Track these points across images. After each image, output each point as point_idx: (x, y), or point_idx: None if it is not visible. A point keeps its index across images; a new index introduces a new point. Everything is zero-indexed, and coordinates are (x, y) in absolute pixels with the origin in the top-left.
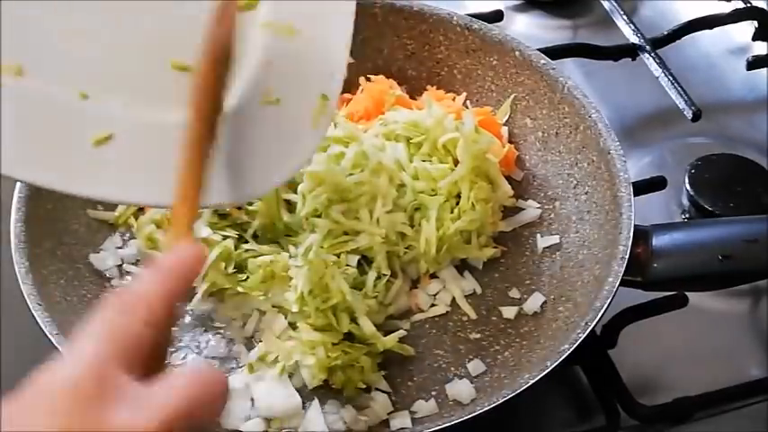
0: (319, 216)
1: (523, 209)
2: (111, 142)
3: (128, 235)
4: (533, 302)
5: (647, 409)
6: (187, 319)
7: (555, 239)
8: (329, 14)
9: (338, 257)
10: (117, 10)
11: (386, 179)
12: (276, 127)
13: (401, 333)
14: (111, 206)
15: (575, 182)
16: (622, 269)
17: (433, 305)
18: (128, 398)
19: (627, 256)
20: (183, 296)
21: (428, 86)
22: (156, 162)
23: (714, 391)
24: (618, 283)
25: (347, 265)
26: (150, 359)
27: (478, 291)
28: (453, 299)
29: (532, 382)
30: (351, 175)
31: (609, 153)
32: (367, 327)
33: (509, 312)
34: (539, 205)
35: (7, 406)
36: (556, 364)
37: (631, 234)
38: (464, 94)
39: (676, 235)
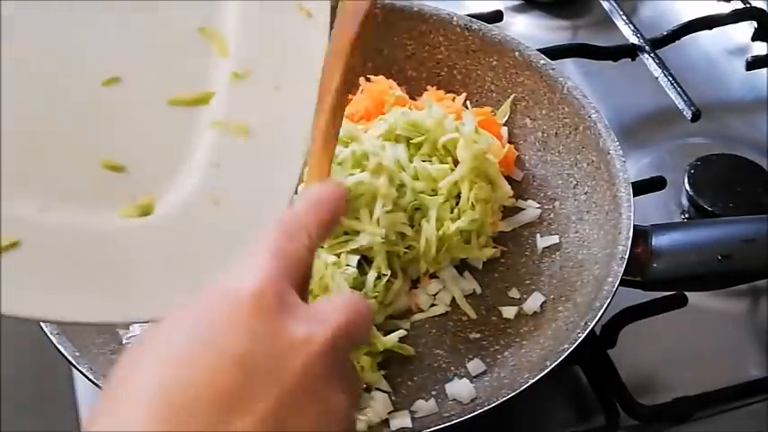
0: None
1: (523, 209)
2: (18, 249)
3: None
4: (533, 302)
5: (647, 408)
6: None
7: (554, 239)
8: (287, 113)
9: (338, 257)
10: (42, 103)
11: (386, 179)
12: (216, 231)
13: (401, 333)
14: None
15: (574, 182)
16: (622, 269)
17: (432, 305)
18: (301, 313)
19: (626, 256)
20: (333, 227)
21: (428, 87)
22: (75, 273)
23: (713, 391)
24: (617, 283)
25: (347, 265)
26: (305, 282)
27: (478, 291)
28: (453, 299)
29: (532, 381)
30: (351, 174)
31: (608, 153)
32: None
33: (509, 312)
34: (538, 205)
35: (183, 314)
36: (555, 363)
37: (631, 234)
38: (464, 94)
39: (676, 235)
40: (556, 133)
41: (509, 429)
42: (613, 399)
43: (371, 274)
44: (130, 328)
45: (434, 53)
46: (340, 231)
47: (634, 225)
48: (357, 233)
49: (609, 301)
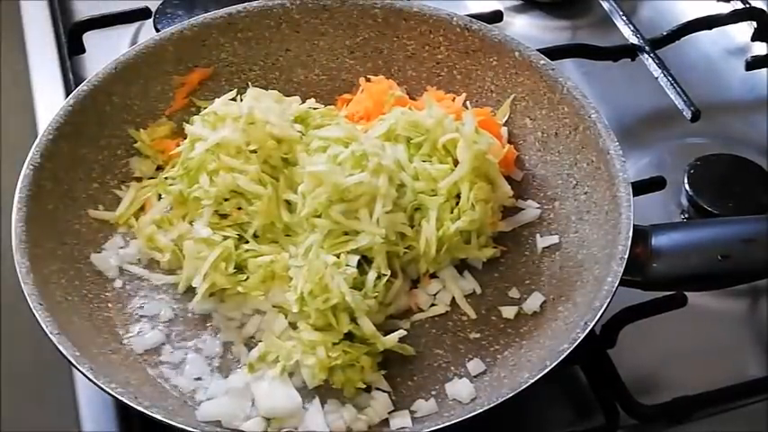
0: (319, 216)
1: (523, 209)
2: None
3: (129, 235)
4: (533, 302)
5: (647, 408)
6: (188, 319)
7: (554, 239)
8: None
9: (338, 257)
10: None
11: (386, 179)
12: None
13: (401, 333)
14: (112, 206)
15: (574, 182)
16: (621, 269)
17: (432, 305)
18: None
19: (626, 256)
20: None
21: (428, 87)
22: None
23: (713, 391)
24: (617, 283)
25: (347, 265)
26: None
27: (478, 291)
28: (453, 299)
29: (532, 381)
30: (351, 175)
31: (608, 153)
32: (367, 327)
33: (509, 312)
34: (538, 205)
35: None
36: (555, 363)
37: (630, 234)
38: (464, 94)
39: (675, 235)
40: (556, 133)
41: (509, 429)
42: (613, 398)
43: (371, 274)
44: (130, 328)
45: (434, 53)
46: (340, 231)
47: (634, 225)
48: (357, 233)
49: (609, 301)
